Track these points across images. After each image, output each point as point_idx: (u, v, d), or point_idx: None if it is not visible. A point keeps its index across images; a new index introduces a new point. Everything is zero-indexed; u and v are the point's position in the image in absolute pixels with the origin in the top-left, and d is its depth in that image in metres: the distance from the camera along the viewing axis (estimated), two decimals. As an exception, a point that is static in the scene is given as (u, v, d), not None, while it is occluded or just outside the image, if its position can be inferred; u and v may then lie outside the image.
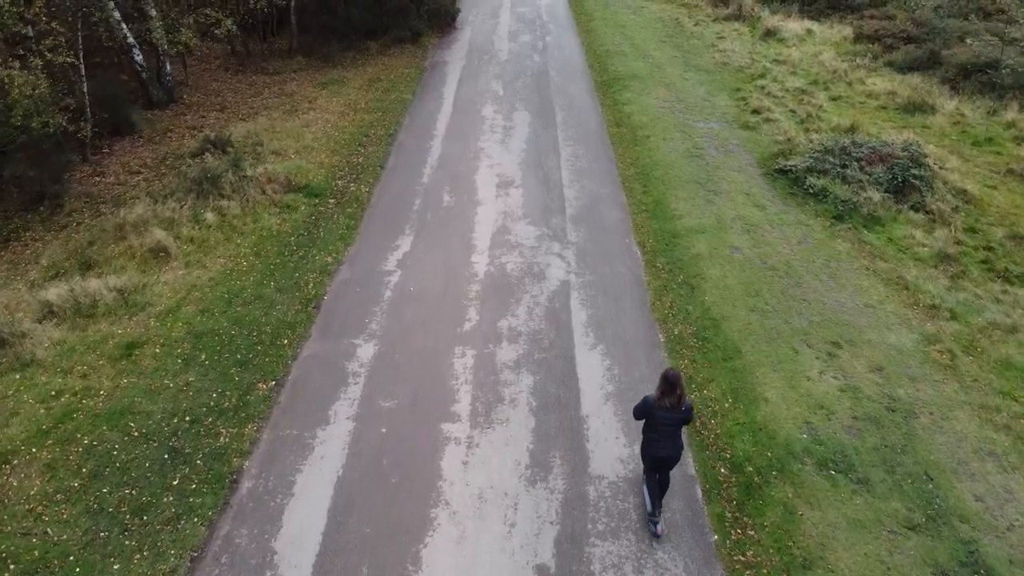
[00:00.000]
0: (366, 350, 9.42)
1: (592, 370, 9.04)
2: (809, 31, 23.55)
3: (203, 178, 12.78)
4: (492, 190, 13.78)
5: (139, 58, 17.32)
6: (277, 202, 12.91)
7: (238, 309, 10.17)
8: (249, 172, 13.16)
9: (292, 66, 21.18)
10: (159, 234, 11.60)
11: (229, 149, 14.82)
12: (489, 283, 10.85)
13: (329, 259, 11.46)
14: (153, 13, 17.13)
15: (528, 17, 26.62)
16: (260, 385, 8.78)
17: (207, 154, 14.52)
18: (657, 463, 6.83)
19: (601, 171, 14.58)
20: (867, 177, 12.84)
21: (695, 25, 25.00)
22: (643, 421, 6.89)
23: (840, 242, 11.71)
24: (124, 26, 16.71)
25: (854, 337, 9.44)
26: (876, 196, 12.42)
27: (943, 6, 23.24)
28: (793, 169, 13.63)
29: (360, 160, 15.05)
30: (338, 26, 22.39)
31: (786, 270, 10.93)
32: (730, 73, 20.06)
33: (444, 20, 24.63)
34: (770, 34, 23.31)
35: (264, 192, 12.97)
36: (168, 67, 18.12)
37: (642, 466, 7.22)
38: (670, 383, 6.52)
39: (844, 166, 13.16)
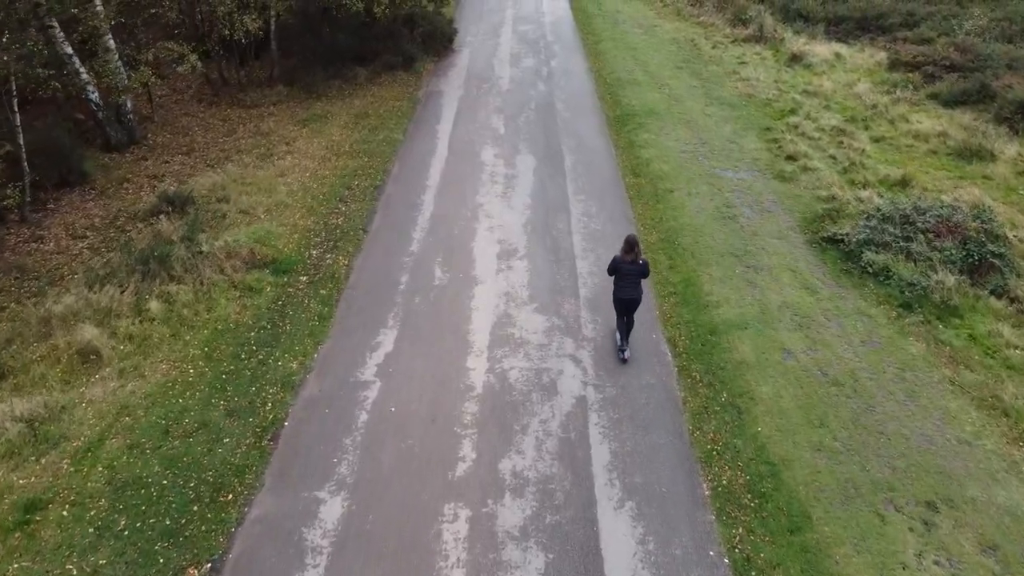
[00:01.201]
0: (332, 509, 7.42)
1: (621, 544, 7.03)
2: (838, 55, 21.50)
3: (150, 256, 10.78)
4: (492, 262, 11.78)
5: (95, 96, 15.31)
6: (238, 283, 10.88)
7: (175, 443, 8.17)
8: (205, 247, 11.13)
9: (272, 97, 19.14)
10: (90, 332, 9.61)
11: (189, 208, 12.86)
12: (488, 400, 8.85)
13: (294, 365, 9.45)
14: (112, 45, 15.17)
15: (531, 37, 24.60)
16: (191, 571, 6.78)
17: (162, 216, 12.55)
18: (624, 305, 9.19)
19: (619, 236, 12.43)
20: (937, 255, 10.81)
21: (713, 48, 22.97)
22: (614, 276, 9.23)
23: (913, 342, 9.70)
24: (76, 60, 14.74)
25: (952, 494, 7.44)
26: (950, 280, 10.38)
27: (987, 29, 21.18)
28: (845, 239, 11.61)
29: (340, 221, 13.04)
30: (323, 52, 20.36)
31: (853, 385, 8.92)
32: (757, 107, 18.04)
33: (440, 43, 22.59)
34: (796, 59, 21.27)
35: (223, 271, 10.95)
36: (129, 105, 16.10)
37: (614, 314, 9.63)
38: (630, 244, 9.04)
39: (908, 239, 11.13)
